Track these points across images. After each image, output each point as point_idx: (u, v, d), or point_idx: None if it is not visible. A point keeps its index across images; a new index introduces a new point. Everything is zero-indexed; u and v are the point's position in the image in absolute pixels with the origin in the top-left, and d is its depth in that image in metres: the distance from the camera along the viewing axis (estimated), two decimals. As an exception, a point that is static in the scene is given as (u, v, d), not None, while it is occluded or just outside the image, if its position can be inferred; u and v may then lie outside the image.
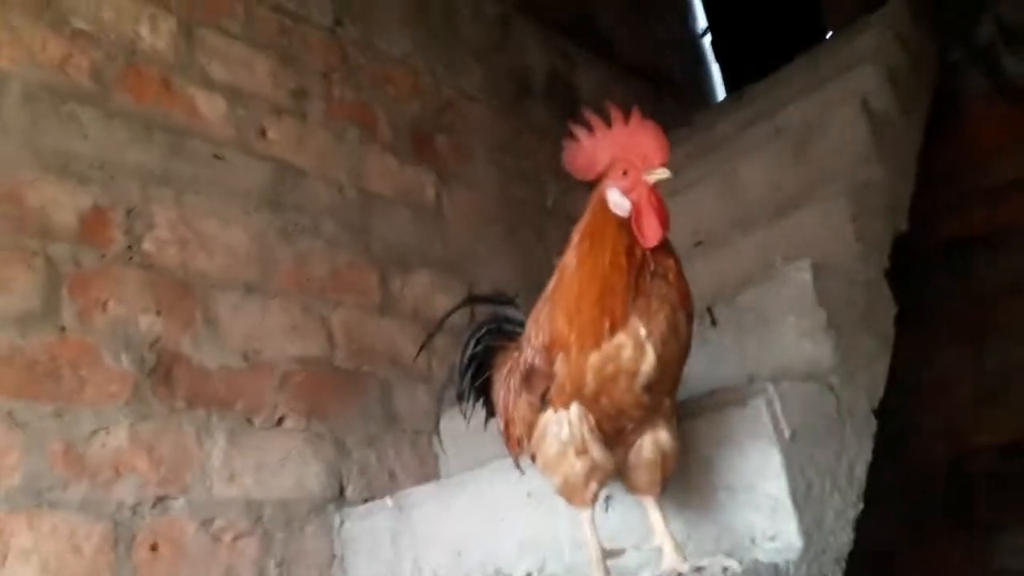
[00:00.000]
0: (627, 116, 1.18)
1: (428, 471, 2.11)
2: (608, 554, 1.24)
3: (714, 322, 1.77)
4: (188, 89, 2.00)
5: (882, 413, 1.65)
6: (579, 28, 3.43)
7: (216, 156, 1.99)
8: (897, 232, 2.10)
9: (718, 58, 4.53)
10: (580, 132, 1.20)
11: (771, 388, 1.35)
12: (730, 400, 1.40)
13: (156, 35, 1.97)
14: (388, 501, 1.81)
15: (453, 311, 1.60)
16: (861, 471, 1.48)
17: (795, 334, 1.60)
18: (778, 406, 1.36)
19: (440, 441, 1.85)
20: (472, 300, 1.65)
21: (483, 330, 1.51)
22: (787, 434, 1.35)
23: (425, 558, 1.70)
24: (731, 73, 4.43)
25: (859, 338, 1.67)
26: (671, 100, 3.77)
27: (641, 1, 3.95)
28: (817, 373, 1.52)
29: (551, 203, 2.80)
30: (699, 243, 2.33)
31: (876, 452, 1.56)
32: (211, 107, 2.02)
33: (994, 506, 2.56)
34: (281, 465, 1.87)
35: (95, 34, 1.86)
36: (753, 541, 1.31)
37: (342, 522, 1.90)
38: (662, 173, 1.15)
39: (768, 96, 2.98)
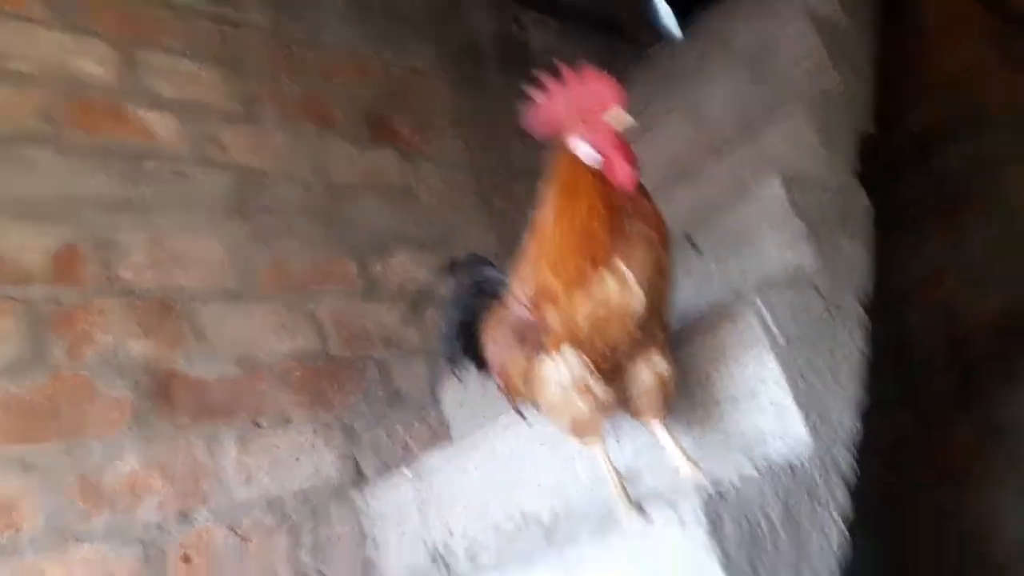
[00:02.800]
0: (578, 70, 1.18)
1: (440, 439, 2.13)
2: (626, 481, 1.25)
3: (697, 249, 1.79)
4: (138, 112, 1.99)
5: (881, 318, 1.66)
6: (524, -12, 3.41)
7: (176, 173, 1.99)
8: (865, 134, 2.11)
9: (665, -5, 4.51)
10: (535, 93, 1.21)
11: (758, 299, 1.36)
12: (721, 317, 1.41)
13: (98, 65, 1.96)
14: (406, 472, 1.83)
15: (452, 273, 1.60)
16: (859, 364, 1.49)
17: (775, 247, 1.62)
18: (767, 315, 1.38)
19: (442, 408, 1.85)
20: (450, 267, 1.65)
21: (463, 292, 1.52)
22: (781, 340, 1.36)
23: (453, 519, 1.72)
24: (680, 8, 4.42)
25: (839, 241, 1.69)
26: (625, 45, 3.76)
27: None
28: (801, 279, 1.53)
29: (519, 166, 2.81)
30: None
31: (880, 355, 1.58)
32: (164, 126, 2.02)
33: (997, 383, 2.59)
34: (295, 460, 1.88)
35: (36, 74, 1.85)
36: (764, 443, 1.33)
37: (366, 502, 1.92)
38: (621, 116, 1.15)
39: (719, 25, 2.98)
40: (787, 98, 2.13)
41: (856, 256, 1.74)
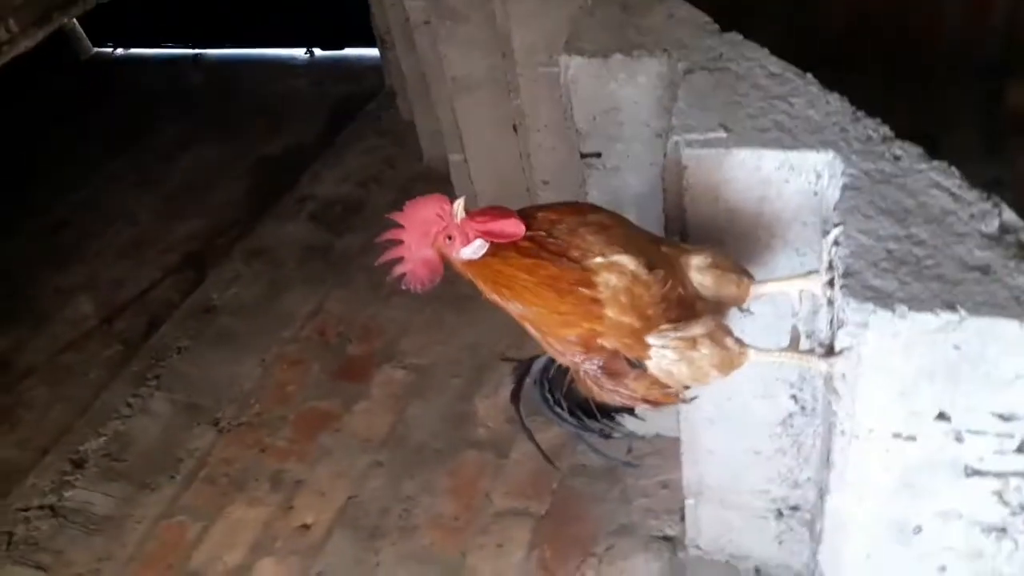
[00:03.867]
0: (401, 215, 1.19)
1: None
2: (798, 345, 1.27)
3: (595, 154, 1.80)
4: None
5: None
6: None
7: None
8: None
9: None
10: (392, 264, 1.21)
11: (672, 137, 1.37)
12: (673, 180, 1.42)
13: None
14: (689, 502, 1.85)
15: (517, 401, 1.59)
16: (784, 68, 1.49)
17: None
18: (691, 135, 1.39)
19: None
20: (519, 380, 1.65)
21: (548, 396, 1.52)
22: (722, 134, 1.37)
23: (745, 481, 1.74)
24: None
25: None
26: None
27: None
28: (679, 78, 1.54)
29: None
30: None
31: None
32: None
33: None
34: None
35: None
36: (816, 195, 1.34)
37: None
38: (459, 207, 1.16)
39: None
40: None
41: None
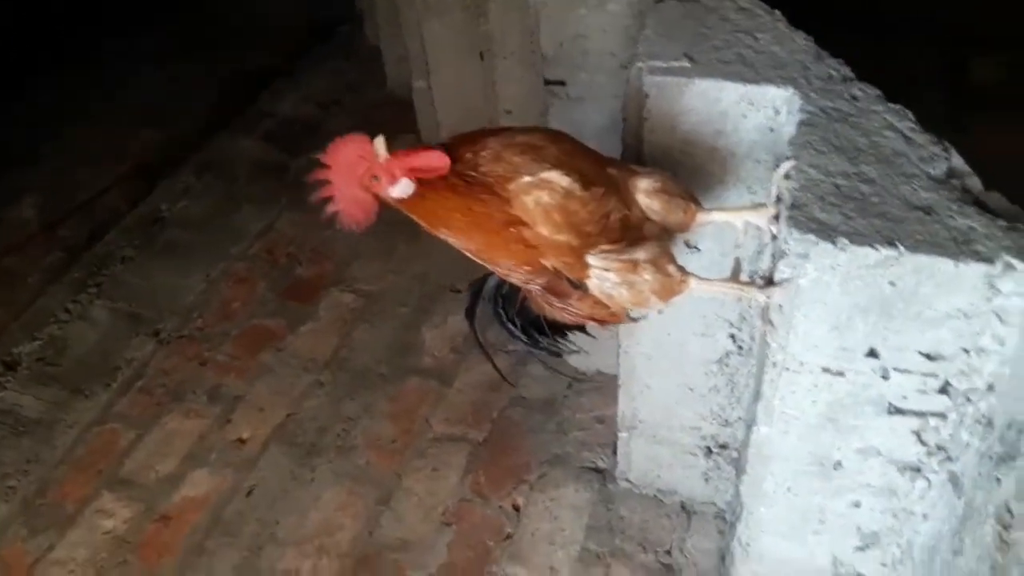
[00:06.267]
0: (325, 156, 1.16)
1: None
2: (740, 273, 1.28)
3: (560, 82, 1.78)
4: None
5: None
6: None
7: None
8: None
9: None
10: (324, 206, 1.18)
11: (636, 64, 1.35)
12: (634, 107, 1.41)
13: None
14: (623, 435, 1.88)
15: (472, 319, 1.59)
16: (753, 4, 1.47)
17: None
18: (655, 63, 1.37)
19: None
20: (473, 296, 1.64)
21: (501, 312, 1.52)
22: (686, 63, 1.36)
23: (677, 418, 1.77)
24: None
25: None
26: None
27: None
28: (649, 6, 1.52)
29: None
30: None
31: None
32: None
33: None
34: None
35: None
36: (771, 130, 1.34)
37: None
38: (379, 145, 1.13)
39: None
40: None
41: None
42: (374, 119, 3.29)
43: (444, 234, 1.23)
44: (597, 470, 2.08)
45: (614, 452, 1.99)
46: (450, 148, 1.19)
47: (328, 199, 1.15)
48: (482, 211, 1.18)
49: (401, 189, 1.15)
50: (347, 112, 3.48)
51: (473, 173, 1.17)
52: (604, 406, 2.16)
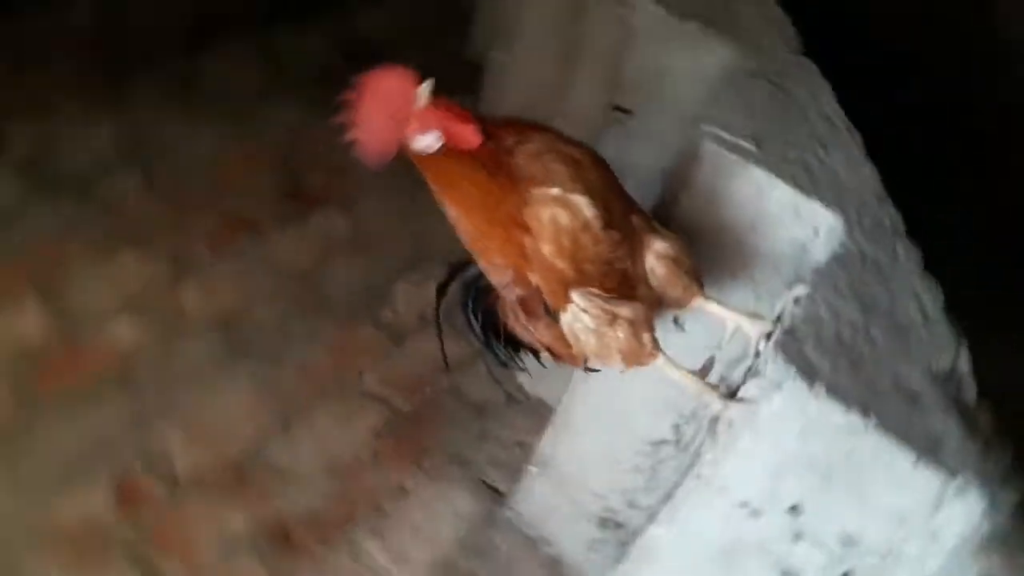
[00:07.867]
0: (363, 82, 1.09)
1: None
2: (709, 371, 1.22)
3: (627, 110, 1.71)
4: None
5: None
6: None
7: None
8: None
9: None
10: (348, 126, 1.12)
11: (703, 126, 1.28)
12: (687, 165, 1.34)
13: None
14: (532, 469, 1.82)
15: (441, 295, 1.54)
16: (838, 116, 1.40)
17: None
18: (722, 131, 1.31)
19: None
20: (445, 281, 1.59)
21: (469, 302, 1.47)
22: (751, 146, 1.29)
23: (595, 484, 1.72)
24: None
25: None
26: None
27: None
28: (733, 71, 1.45)
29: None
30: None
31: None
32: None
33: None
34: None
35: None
36: (806, 250, 1.27)
37: (517, 513, 1.93)
38: (424, 91, 1.06)
39: None
40: None
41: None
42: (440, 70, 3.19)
43: (447, 204, 1.17)
44: (495, 490, 2.02)
45: (518, 481, 1.93)
46: (496, 127, 1.13)
47: (352, 123, 1.09)
48: (495, 198, 1.12)
49: (427, 142, 1.08)
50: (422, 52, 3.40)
51: (507, 159, 1.12)
52: (529, 433, 2.08)
